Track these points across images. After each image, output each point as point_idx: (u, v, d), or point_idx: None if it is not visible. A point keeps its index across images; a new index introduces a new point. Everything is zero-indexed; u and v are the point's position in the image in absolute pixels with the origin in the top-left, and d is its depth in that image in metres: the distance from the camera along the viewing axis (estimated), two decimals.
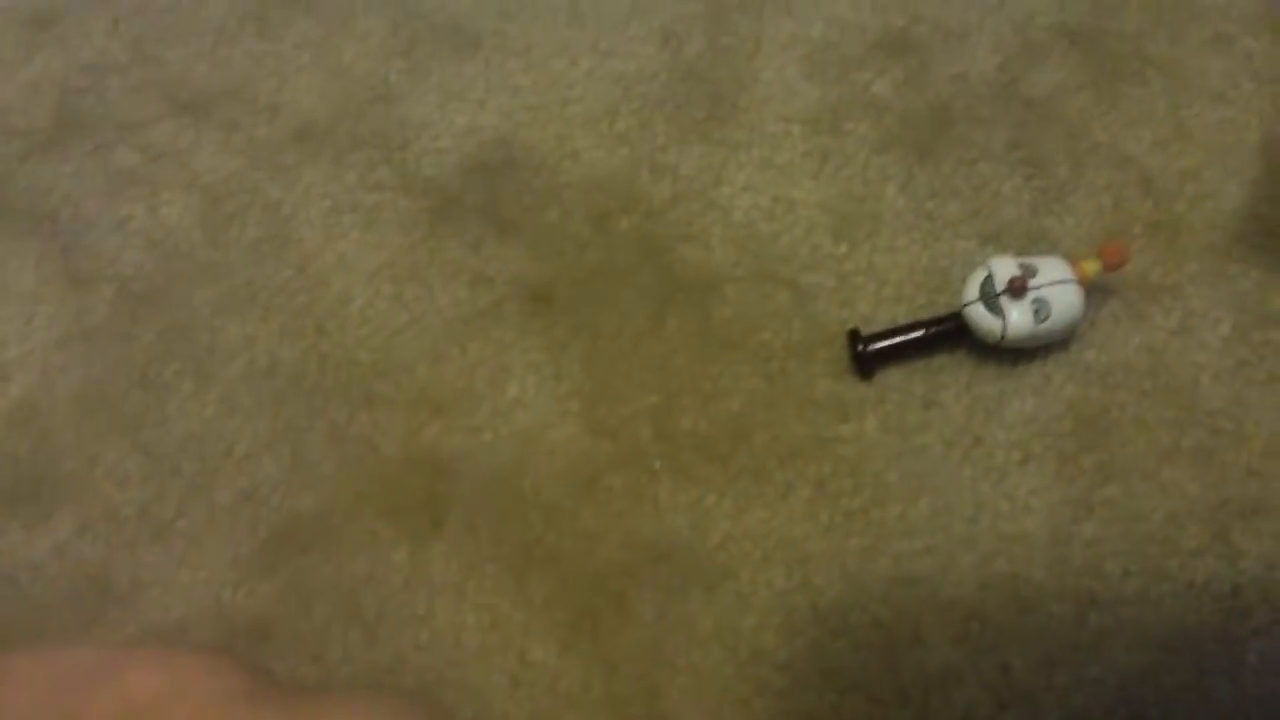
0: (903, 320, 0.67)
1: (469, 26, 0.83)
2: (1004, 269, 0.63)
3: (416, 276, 0.73)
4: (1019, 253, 0.69)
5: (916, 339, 0.66)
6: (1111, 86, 0.74)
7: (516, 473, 0.66)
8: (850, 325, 0.67)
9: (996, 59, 0.76)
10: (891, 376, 0.67)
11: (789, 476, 0.64)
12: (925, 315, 0.67)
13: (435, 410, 0.68)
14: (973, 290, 0.63)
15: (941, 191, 0.72)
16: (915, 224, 0.71)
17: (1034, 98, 0.74)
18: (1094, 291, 0.66)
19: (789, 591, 0.61)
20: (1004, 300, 0.63)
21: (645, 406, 0.67)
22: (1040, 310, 0.62)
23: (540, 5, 0.83)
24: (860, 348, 0.66)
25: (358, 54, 0.82)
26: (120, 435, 0.68)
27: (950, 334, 0.65)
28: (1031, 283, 0.62)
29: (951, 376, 0.66)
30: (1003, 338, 0.63)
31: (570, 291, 0.71)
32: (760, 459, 0.65)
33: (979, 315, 0.63)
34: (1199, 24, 0.77)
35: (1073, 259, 0.64)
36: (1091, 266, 0.64)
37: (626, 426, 0.66)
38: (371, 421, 0.69)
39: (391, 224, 0.75)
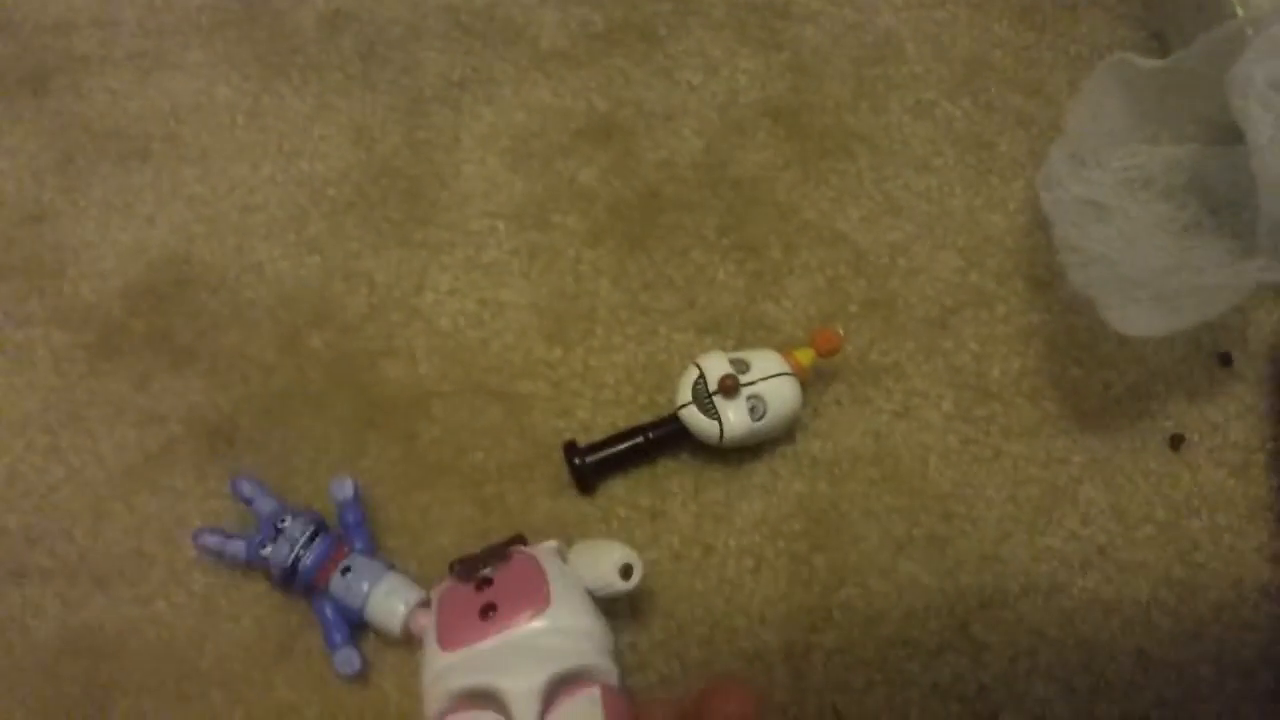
0: (623, 426, 0.62)
1: (136, 133, 0.74)
2: (715, 368, 0.59)
3: (75, 422, 0.64)
4: (737, 343, 0.65)
5: (636, 446, 0.61)
6: (818, 162, 0.72)
7: (195, 646, 0.57)
8: (567, 436, 0.62)
9: (702, 141, 0.73)
10: (615, 488, 0.62)
11: None
12: (646, 417, 0.62)
13: (97, 580, 0.59)
14: (685, 392, 0.59)
15: (656, 283, 0.68)
16: (630, 319, 0.67)
17: (742, 179, 0.72)
18: (814, 379, 0.63)
19: None
20: (718, 400, 0.59)
21: None
22: (756, 408, 0.59)
23: (217, 105, 0.75)
24: (578, 461, 0.60)
25: (4, 172, 0.72)
26: None
27: (673, 436, 0.61)
28: (744, 379, 0.59)
29: (677, 483, 0.62)
30: (721, 439, 0.59)
31: (255, 424, 0.64)
32: None
33: (694, 418, 0.59)
34: (899, 93, 0.76)
35: (786, 349, 0.61)
36: (805, 355, 0.61)
37: None
38: (22, 600, 0.59)
39: (45, 363, 0.66)
